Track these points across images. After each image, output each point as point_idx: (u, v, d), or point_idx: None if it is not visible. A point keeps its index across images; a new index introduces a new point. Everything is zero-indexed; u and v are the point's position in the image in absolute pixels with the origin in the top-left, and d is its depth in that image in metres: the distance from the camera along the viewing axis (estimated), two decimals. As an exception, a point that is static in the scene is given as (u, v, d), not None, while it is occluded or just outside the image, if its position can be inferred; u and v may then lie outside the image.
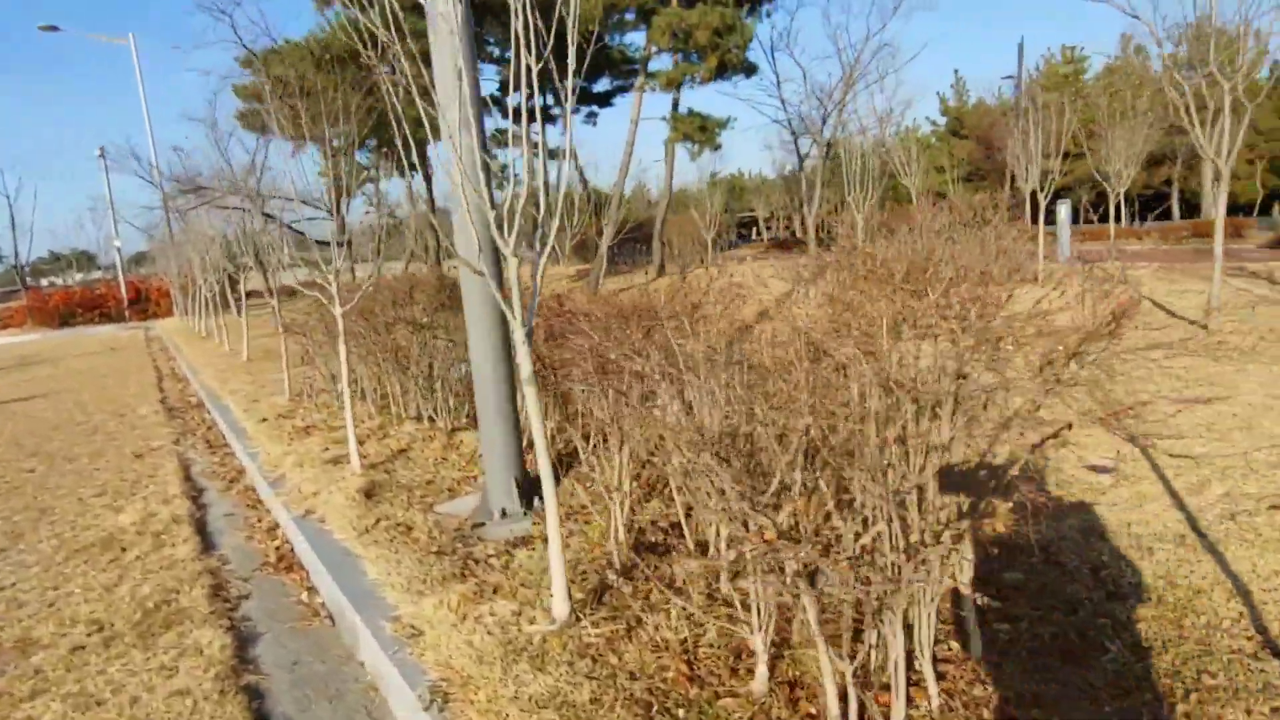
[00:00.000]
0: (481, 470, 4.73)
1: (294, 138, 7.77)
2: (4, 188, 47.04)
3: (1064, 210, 16.41)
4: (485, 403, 4.34)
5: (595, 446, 3.69)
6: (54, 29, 27.70)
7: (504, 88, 21.03)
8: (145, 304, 29.39)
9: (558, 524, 2.86)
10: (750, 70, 20.73)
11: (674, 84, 19.12)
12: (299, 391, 8.66)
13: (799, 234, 32.99)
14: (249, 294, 25.95)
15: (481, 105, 4.17)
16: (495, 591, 3.23)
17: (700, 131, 19.67)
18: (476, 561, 3.63)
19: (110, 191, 29.04)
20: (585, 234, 22.15)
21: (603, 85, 24.05)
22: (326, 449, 6.10)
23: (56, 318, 27.55)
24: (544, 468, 2.87)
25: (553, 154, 21.84)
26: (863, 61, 25.50)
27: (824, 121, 24.95)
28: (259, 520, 5.30)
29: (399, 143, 2.99)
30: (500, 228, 2.69)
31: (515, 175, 2.77)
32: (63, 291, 29.91)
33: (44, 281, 61.21)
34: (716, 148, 22.26)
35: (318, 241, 8.02)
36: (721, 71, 18.83)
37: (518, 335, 2.80)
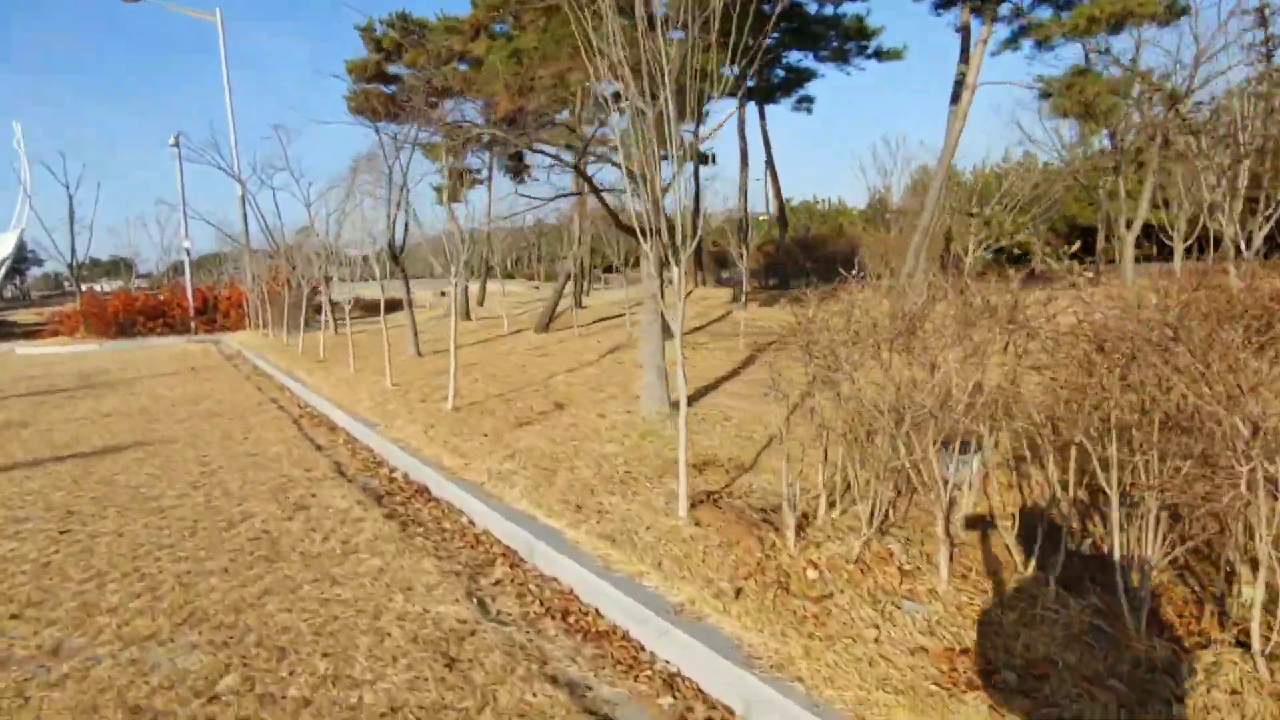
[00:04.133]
0: None
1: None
2: (64, 175, 43.40)
3: None
4: None
5: None
6: (135, -1, 25.00)
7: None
8: (213, 314, 26.22)
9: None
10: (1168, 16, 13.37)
11: (1046, 37, 13.42)
12: (700, 496, 4.80)
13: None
14: (329, 305, 22.66)
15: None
16: None
17: (1082, 105, 13.43)
18: None
19: (183, 185, 26.01)
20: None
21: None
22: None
23: (114, 326, 24.43)
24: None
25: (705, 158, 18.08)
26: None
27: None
28: None
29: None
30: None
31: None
32: (123, 296, 26.88)
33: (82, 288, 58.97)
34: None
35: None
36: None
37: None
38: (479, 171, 27.16)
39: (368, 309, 26.33)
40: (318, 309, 21.49)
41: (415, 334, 13.39)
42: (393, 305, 27.19)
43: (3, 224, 38.33)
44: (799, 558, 3.71)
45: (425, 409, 8.34)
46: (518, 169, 28.37)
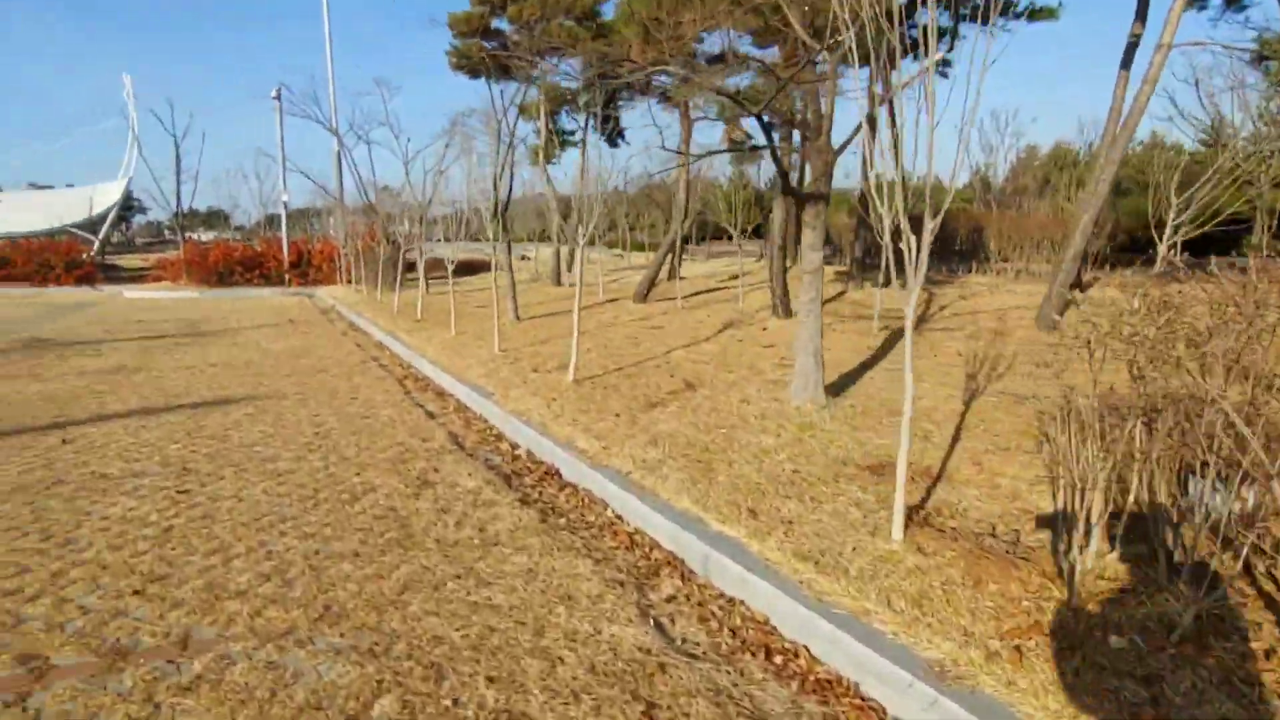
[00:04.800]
0: None
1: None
2: (171, 125, 44.31)
3: None
4: None
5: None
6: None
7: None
8: (306, 268, 26.61)
9: None
10: None
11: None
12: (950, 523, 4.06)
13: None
14: (410, 267, 22.55)
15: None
16: None
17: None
18: None
19: (282, 139, 26.32)
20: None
21: None
22: None
23: (214, 275, 25.07)
24: None
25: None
26: None
27: None
28: None
29: None
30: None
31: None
32: (222, 246, 27.59)
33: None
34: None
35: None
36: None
37: None
38: (573, 133, 26.57)
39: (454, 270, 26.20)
40: (409, 266, 21.45)
41: (515, 298, 12.92)
42: (475, 267, 27.12)
43: (111, 174, 40.05)
44: (1091, 614, 2.91)
45: (542, 380, 7.78)
46: (612, 131, 27.64)
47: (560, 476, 5.52)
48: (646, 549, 4.25)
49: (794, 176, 11.92)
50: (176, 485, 5.24)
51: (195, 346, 11.92)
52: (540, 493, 5.19)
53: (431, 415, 7.44)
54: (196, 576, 3.82)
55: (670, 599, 3.68)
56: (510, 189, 13.30)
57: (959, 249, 20.16)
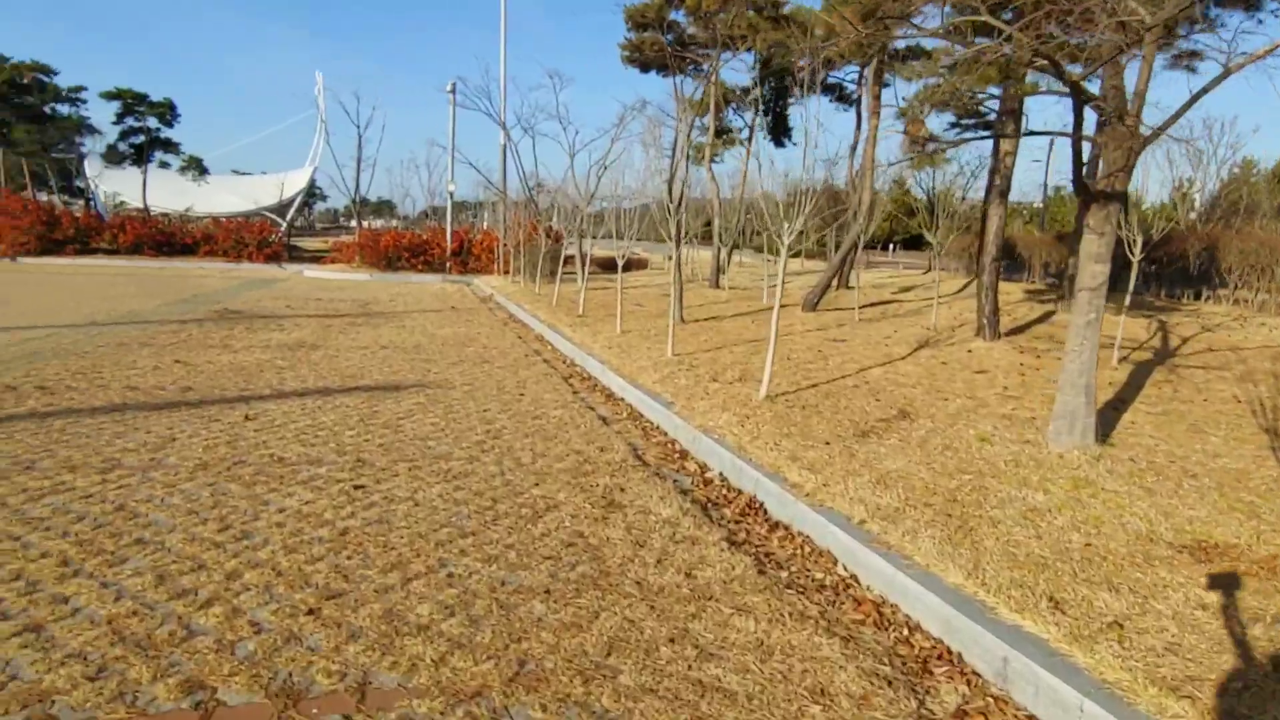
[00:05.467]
0: None
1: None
2: (356, 116, 47.91)
3: None
4: None
5: None
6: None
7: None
8: (466, 256, 27.45)
9: None
10: None
11: None
12: None
13: None
14: (568, 260, 22.49)
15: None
16: None
17: None
18: None
19: (454, 131, 27.30)
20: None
21: None
22: None
23: (384, 259, 26.38)
24: None
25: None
26: None
27: None
28: None
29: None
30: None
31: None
32: (392, 233, 29.07)
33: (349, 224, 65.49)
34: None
35: None
36: None
37: None
38: (741, 131, 25.74)
39: (604, 266, 26.19)
40: (567, 260, 21.46)
41: (680, 299, 12.25)
42: (630, 265, 26.86)
43: (300, 162, 43.59)
44: None
45: (727, 393, 6.99)
46: (779, 129, 26.53)
47: (765, 512, 4.69)
48: (903, 629, 3.33)
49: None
50: (352, 479, 4.89)
51: (367, 327, 12.15)
52: (748, 532, 4.39)
53: (605, 421, 6.85)
54: (374, 598, 3.32)
55: (960, 714, 2.75)
56: (685, 185, 12.65)
57: (1186, 271, 17.40)
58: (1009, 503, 4.28)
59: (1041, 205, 46.01)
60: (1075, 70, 4.67)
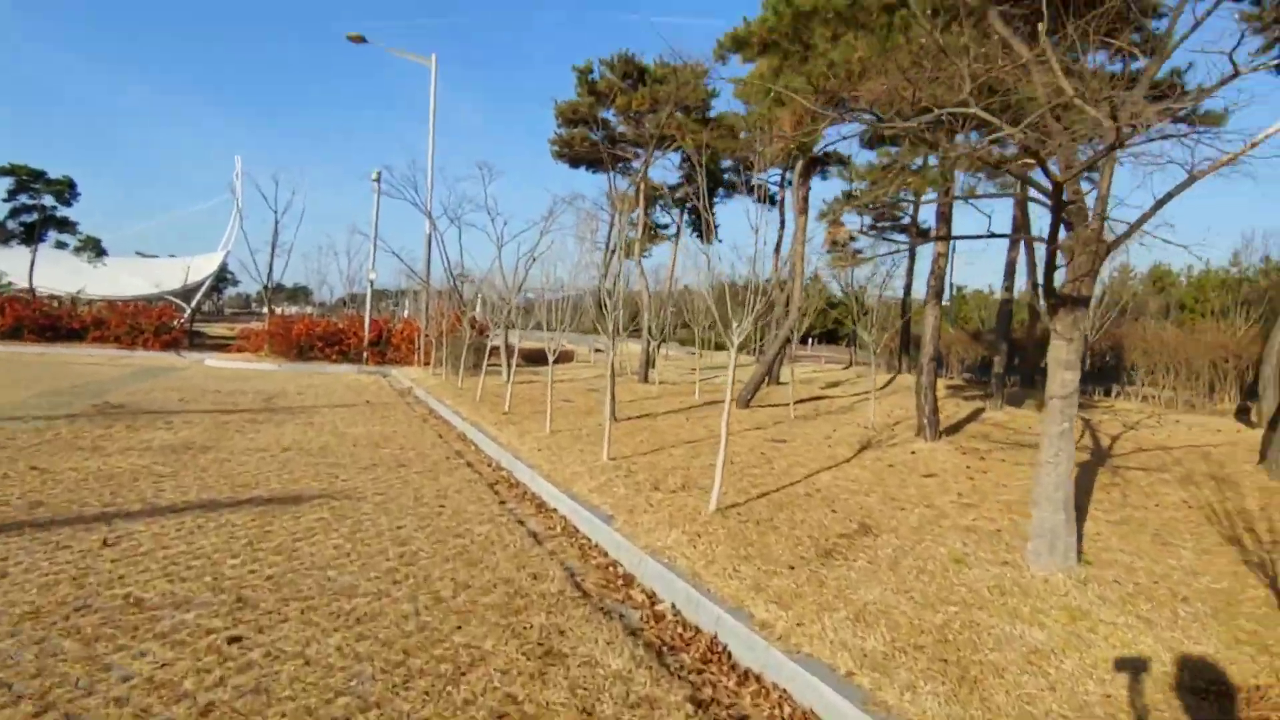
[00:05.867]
0: None
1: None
2: (274, 201, 45.61)
3: None
4: None
5: None
6: (361, 40, 26.36)
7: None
8: (385, 347, 26.34)
9: None
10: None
11: None
12: None
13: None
14: (493, 352, 21.82)
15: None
16: None
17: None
18: None
19: (377, 220, 26.69)
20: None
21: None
22: None
23: (295, 348, 24.98)
24: None
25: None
26: None
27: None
28: None
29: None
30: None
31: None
32: (306, 320, 27.70)
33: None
34: None
35: None
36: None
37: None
38: (667, 227, 26.14)
39: (529, 358, 25.60)
40: (491, 351, 20.74)
41: (613, 396, 11.71)
42: (540, 357, 26.37)
43: (212, 245, 41.89)
44: None
45: (672, 504, 6.39)
46: (703, 226, 27.10)
47: (731, 657, 4.03)
48: (920, 829, 2.69)
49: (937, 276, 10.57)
50: (227, 627, 3.98)
51: (269, 424, 11.04)
52: (714, 686, 3.71)
53: (536, 538, 6.10)
54: (236, 823, 2.46)
55: None
56: (619, 277, 12.36)
57: (1094, 369, 18.23)
58: (1007, 643, 3.78)
59: (949, 303, 48.56)
60: (1038, 175, 4.54)
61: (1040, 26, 3.84)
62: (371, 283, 27.58)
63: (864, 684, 3.36)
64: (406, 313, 35.19)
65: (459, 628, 4.17)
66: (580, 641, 4.07)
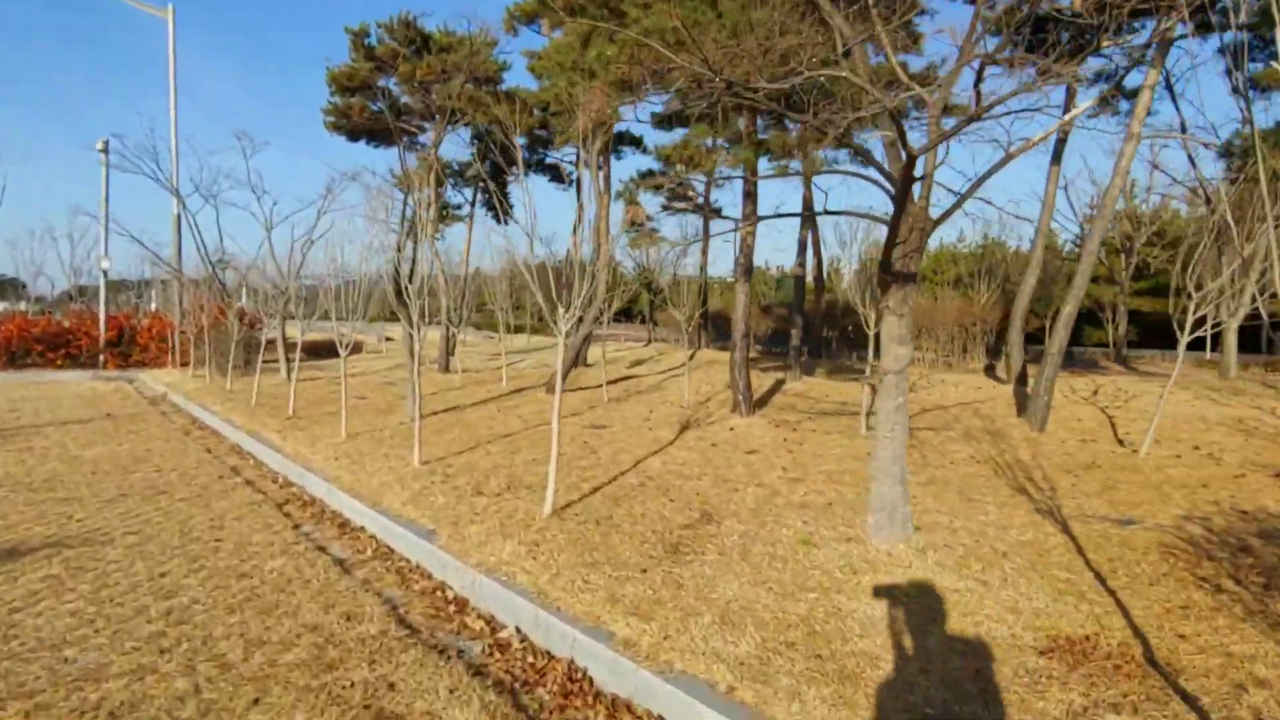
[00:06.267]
0: None
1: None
2: None
3: None
4: None
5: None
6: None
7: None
8: (128, 347, 22.53)
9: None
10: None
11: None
12: None
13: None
14: (268, 346, 19.52)
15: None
16: None
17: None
18: None
19: (107, 197, 22.67)
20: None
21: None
22: None
23: (6, 354, 20.52)
24: None
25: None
26: None
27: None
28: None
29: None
30: None
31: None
32: (18, 320, 22.76)
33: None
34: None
35: None
36: None
37: None
38: (460, 207, 24.77)
39: (312, 352, 23.30)
40: (267, 345, 18.39)
41: (417, 392, 10.74)
42: (330, 349, 24.18)
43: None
44: None
45: (502, 510, 5.81)
46: (500, 206, 26.04)
47: (593, 684, 3.61)
48: None
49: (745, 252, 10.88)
50: (-100, 763, 2.84)
51: (-32, 456, 8.75)
52: (583, 727, 3.26)
53: (344, 567, 5.25)
54: None
55: None
56: (414, 263, 11.32)
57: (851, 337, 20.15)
58: (872, 627, 3.72)
59: (735, 278, 51.64)
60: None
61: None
62: (105, 272, 23.38)
63: (748, 699, 3.10)
64: (155, 306, 30.44)
65: (256, 701, 3.35)
66: (417, 695, 3.42)
